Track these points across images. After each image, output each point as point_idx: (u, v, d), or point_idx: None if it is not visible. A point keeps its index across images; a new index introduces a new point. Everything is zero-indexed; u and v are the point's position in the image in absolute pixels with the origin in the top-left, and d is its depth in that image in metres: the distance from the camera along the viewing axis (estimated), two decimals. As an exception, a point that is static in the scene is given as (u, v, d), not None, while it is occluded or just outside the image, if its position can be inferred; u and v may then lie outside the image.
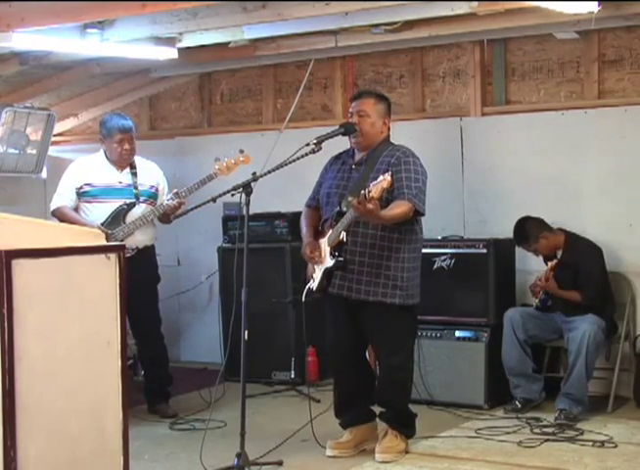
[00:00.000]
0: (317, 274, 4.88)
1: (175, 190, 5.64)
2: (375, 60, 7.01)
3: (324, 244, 4.83)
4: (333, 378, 5.23)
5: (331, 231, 4.79)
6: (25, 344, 3.05)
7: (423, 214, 4.81)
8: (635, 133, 6.01)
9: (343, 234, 4.71)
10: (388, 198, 4.64)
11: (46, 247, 3.17)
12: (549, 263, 5.71)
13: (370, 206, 4.35)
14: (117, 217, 5.63)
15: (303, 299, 4.96)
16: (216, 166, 5.64)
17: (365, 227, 4.75)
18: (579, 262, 5.71)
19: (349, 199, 4.72)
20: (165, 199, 5.69)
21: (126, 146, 5.67)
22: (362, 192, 4.36)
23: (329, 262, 4.79)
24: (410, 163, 4.80)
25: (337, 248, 4.77)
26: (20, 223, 3.22)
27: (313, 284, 4.92)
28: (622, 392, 5.86)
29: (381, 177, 4.40)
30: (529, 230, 5.81)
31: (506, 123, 6.45)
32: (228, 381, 5.74)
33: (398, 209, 4.63)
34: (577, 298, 5.65)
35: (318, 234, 4.96)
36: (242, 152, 5.66)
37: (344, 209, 4.72)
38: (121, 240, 5.55)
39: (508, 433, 5.25)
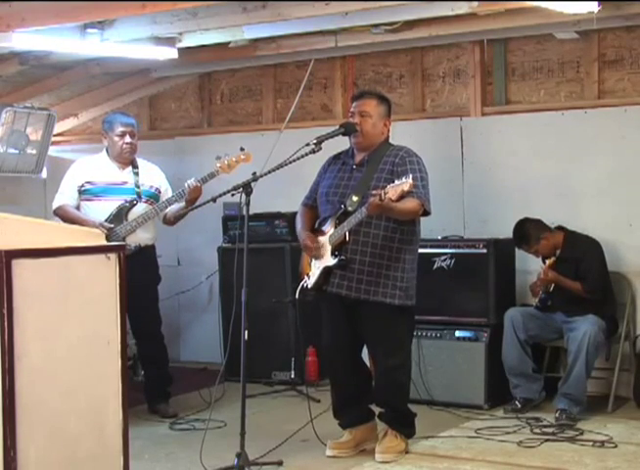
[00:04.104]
0: (314, 272, 4.88)
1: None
2: (375, 60, 7.01)
3: (325, 241, 4.83)
4: (329, 379, 5.23)
5: (333, 230, 4.78)
6: (25, 344, 3.05)
7: (430, 214, 4.82)
8: (635, 133, 6.01)
9: (347, 233, 4.72)
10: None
11: (46, 247, 3.17)
12: (547, 261, 5.72)
13: (387, 205, 4.41)
14: (120, 215, 5.64)
15: (297, 296, 4.97)
16: (218, 164, 5.64)
17: (368, 227, 4.75)
18: (579, 256, 5.72)
19: (354, 199, 4.73)
20: (186, 184, 5.66)
21: (127, 139, 5.71)
22: (379, 192, 4.38)
23: (330, 261, 4.79)
24: (414, 162, 4.81)
25: (338, 247, 4.77)
26: (20, 223, 3.22)
27: (309, 281, 4.92)
28: (622, 392, 5.86)
29: (403, 179, 4.42)
30: (530, 232, 5.82)
31: (506, 123, 6.45)
32: (228, 381, 5.74)
33: (410, 204, 4.64)
34: (579, 287, 5.65)
35: (315, 233, 4.95)
36: (242, 150, 5.66)
37: (350, 208, 4.73)
38: (124, 237, 5.58)
39: (508, 433, 5.25)
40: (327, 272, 4.82)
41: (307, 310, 5.16)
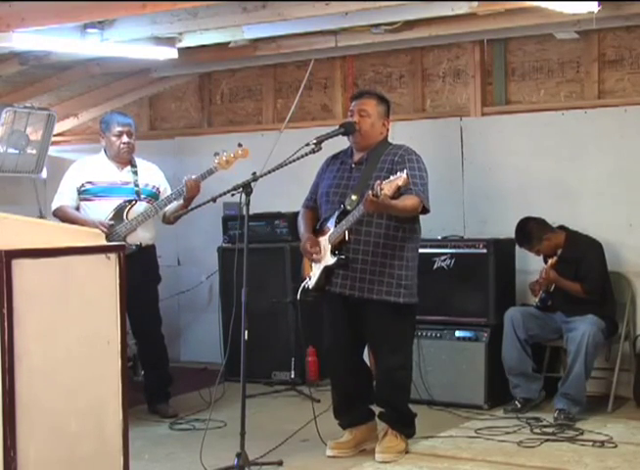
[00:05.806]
0: (315, 272, 4.88)
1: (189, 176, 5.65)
2: (375, 60, 7.01)
3: (324, 242, 4.83)
4: (330, 379, 5.23)
5: (332, 229, 4.78)
6: (25, 344, 3.05)
7: (429, 211, 4.82)
8: (635, 133, 6.01)
9: (347, 232, 4.72)
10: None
11: (46, 247, 3.17)
12: (549, 261, 5.72)
13: (383, 202, 4.40)
14: (120, 214, 5.64)
15: (298, 297, 4.97)
16: (216, 161, 5.64)
17: (369, 226, 4.75)
18: (580, 256, 5.72)
19: (353, 198, 4.74)
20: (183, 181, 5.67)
21: (125, 139, 5.70)
22: (374, 189, 4.37)
23: (330, 260, 4.78)
24: (414, 160, 4.81)
25: (338, 246, 4.77)
26: (20, 223, 3.22)
27: (310, 282, 4.92)
28: (622, 392, 5.86)
29: (397, 174, 4.42)
30: (533, 232, 5.81)
31: (506, 123, 6.45)
32: (228, 381, 5.74)
33: (409, 201, 4.64)
34: (579, 288, 5.65)
35: (316, 233, 4.95)
36: (240, 146, 5.66)
37: (349, 207, 4.73)
38: (124, 236, 5.58)
39: (508, 433, 5.25)
40: (328, 272, 4.82)
41: (307, 311, 5.16)
